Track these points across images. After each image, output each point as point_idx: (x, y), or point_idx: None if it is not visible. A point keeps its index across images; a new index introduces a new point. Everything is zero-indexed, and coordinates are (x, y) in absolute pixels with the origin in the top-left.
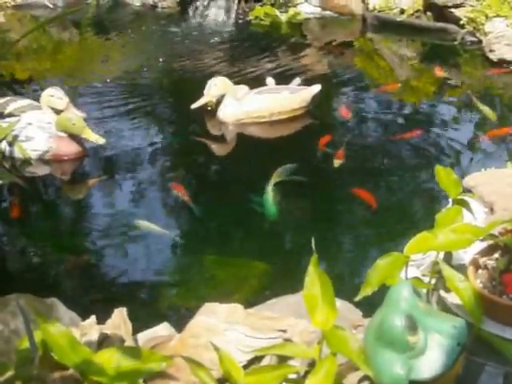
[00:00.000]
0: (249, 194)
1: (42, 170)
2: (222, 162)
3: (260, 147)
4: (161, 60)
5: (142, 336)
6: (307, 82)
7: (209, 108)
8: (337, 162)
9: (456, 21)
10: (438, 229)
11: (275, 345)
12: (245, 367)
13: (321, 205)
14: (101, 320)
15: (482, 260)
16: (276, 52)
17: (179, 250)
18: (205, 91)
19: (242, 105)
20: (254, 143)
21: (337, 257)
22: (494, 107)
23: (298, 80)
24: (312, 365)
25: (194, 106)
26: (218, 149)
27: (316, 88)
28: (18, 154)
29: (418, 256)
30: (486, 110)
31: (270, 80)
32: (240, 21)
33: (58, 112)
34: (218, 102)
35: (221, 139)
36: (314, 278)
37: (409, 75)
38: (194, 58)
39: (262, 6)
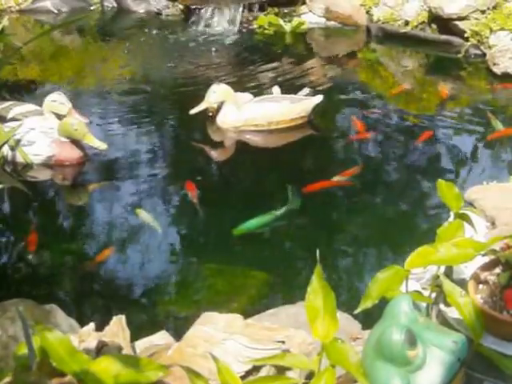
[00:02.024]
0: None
1: (43, 175)
2: (221, 168)
3: (257, 155)
4: (166, 65)
5: (140, 344)
6: (310, 92)
7: (210, 114)
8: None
9: (460, 33)
10: (440, 243)
11: (275, 355)
12: (243, 378)
13: (321, 215)
14: (99, 327)
15: (483, 275)
16: (280, 61)
17: (179, 258)
18: (205, 98)
19: (241, 112)
20: (252, 151)
21: (336, 268)
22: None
23: (306, 90)
24: (310, 377)
25: (192, 111)
26: (216, 155)
27: (317, 99)
28: (19, 158)
29: (418, 270)
30: (496, 123)
31: (275, 89)
32: (244, 30)
33: (60, 117)
34: (219, 109)
35: (220, 146)
36: (316, 289)
37: (413, 87)
38: (197, 66)
39: (266, 15)
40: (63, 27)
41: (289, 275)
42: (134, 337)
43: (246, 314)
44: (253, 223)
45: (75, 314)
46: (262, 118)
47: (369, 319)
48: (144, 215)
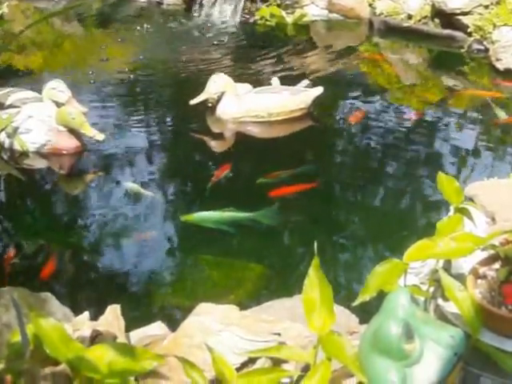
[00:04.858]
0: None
1: (40, 163)
2: (219, 159)
3: (256, 146)
4: (166, 55)
5: (135, 334)
6: (310, 84)
7: (209, 105)
8: None
9: (463, 28)
10: (439, 237)
11: (271, 347)
12: (238, 369)
13: (320, 208)
14: (94, 317)
15: (481, 270)
16: (281, 53)
17: (175, 250)
18: (205, 88)
19: (241, 103)
20: (251, 142)
21: (334, 262)
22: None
23: (305, 82)
24: (306, 369)
25: (192, 101)
26: (215, 146)
27: (317, 91)
28: (16, 145)
29: (417, 264)
30: (500, 112)
31: (275, 80)
32: (245, 20)
33: (59, 105)
34: (219, 99)
35: (219, 136)
36: (313, 281)
37: (414, 81)
38: (197, 56)
39: (268, 6)
40: (62, 13)
41: (286, 269)
42: (130, 327)
43: (243, 307)
44: (203, 216)
45: (70, 303)
46: (262, 110)
47: (366, 313)
48: (134, 188)
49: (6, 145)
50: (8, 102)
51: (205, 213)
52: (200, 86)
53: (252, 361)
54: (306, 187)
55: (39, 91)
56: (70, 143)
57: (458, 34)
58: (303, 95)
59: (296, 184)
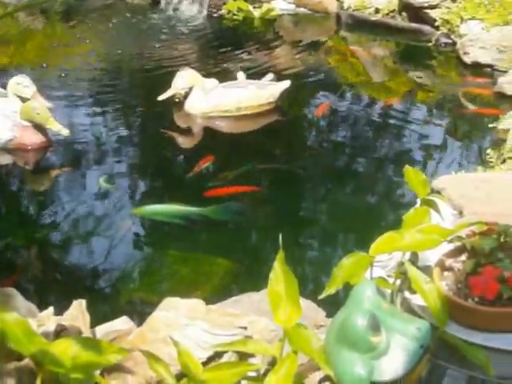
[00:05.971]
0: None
1: (4, 159)
2: (187, 154)
3: (225, 141)
4: (132, 50)
5: (101, 329)
6: (278, 79)
7: (176, 100)
8: None
9: (431, 22)
10: (405, 229)
11: (236, 341)
12: (204, 364)
13: (286, 203)
14: (59, 312)
15: (448, 262)
16: (247, 48)
17: (142, 245)
18: (172, 83)
19: (209, 98)
20: (220, 137)
21: (301, 256)
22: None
23: (270, 76)
24: (272, 363)
25: (160, 97)
26: (183, 141)
27: (284, 84)
28: None
29: (384, 257)
30: (468, 104)
31: (240, 74)
32: (213, 15)
33: (24, 100)
34: (187, 94)
35: (187, 132)
36: (279, 274)
37: (382, 74)
38: (163, 51)
39: (235, 0)
40: (26, 9)
41: (253, 264)
42: (95, 322)
43: (210, 301)
44: (154, 209)
45: (35, 298)
46: (230, 104)
47: (334, 307)
48: (100, 183)
49: None
50: None
51: (156, 206)
52: (167, 82)
53: (218, 355)
54: (246, 189)
55: (4, 87)
56: (35, 138)
57: (426, 28)
58: (271, 89)
59: (236, 185)
